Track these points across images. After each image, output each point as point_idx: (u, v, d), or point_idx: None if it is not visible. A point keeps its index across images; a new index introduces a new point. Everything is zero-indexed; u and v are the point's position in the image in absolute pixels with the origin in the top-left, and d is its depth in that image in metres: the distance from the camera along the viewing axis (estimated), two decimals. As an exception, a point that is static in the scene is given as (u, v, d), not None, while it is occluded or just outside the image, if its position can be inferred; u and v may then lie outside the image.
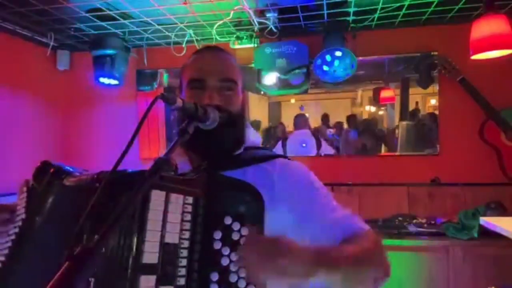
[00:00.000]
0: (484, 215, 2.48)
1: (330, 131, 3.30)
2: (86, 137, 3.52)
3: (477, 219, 2.36)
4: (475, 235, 2.44)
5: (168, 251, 0.73)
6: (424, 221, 2.75)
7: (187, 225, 0.75)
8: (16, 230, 0.87)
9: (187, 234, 0.75)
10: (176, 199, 0.76)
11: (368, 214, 2.93)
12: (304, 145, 3.27)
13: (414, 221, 2.75)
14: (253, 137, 1.09)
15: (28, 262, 0.83)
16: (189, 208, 0.76)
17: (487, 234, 2.19)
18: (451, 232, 2.51)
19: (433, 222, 2.72)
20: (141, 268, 0.71)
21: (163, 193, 0.75)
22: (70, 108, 3.53)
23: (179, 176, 0.83)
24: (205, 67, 0.99)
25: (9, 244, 0.86)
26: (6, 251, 0.86)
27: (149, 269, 0.71)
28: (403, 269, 2.50)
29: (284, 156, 1.07)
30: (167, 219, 0.74)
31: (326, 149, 3.25)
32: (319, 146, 3.25)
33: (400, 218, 2.80)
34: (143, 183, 0.66)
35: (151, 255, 0.72)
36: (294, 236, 0.95)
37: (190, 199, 0.77)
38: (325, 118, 3.32)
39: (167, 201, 0.75)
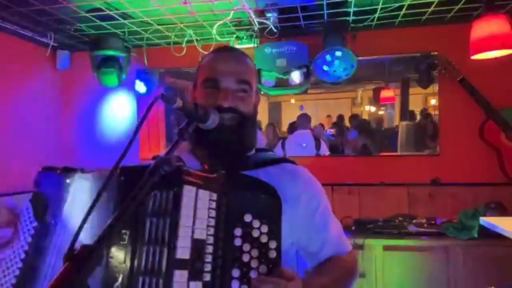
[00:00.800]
0: (484, 215, 2.47)
1: (330, 131, 3.30)
2: (86, 137, 3.51)
3: (477, 219, 2.35)
4: (475, 235, 2.43)
5: (197, 246, 0.74)
6: (424, 221, 2.74)
7: (212, 222, 0.76)
8: (29, 239, 0.85)
9: (212, 231, 0.76)
10: (204, 195, 0.77)
11: (368, 214, 2.93)
12: (304, 145, 3.27)
13: (414, 221, 2.75)
14: (260, 139, 1.10)
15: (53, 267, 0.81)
16: (214, 205, 0.77)
17: (487, 234, 2.19)
18: (451, 232, 2.50)
19: (433, 222, 2.72)
20: (175, 263, 0.72)
21: (194, 188, 0.76)
22: (70, 108, 3.53)
23: (203, 172, 0.84)
24: (220, 67, 0.98)
25: (22, 256, 0.84)
26: (20, 264, 0.84)
27: (182, 264, 0.72)
28: (403, 269, 2.50)
29: (291, 161, 1.07)
30: (197, 215, 0.75)
31: (326, 149, 3.25)
32: (318, 146, 3.25)
33: (400, 218, 2.79)
34: (144, 185, 0.66)
35: (184, 250, 0.72)
36: (291, 240, 0.96)
37: (214, 196, 0.78)
38: (339, 118, 3.31)
39: (196, 197, 0.76)
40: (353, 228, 2.73)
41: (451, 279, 2.43)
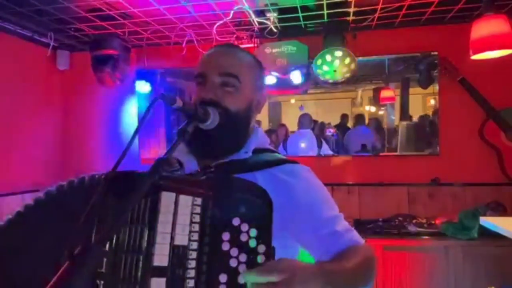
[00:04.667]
0: (484, 215, 2.47)
1: (331, 131, 3.30)
2: (86, 137, 3.51)
3: (477, 219, 2.35)
4: (475, 235, 2.43)
5: (177, 253, 0.73)
6: (424, 221, 2.75)
7: (196, 227, 0.75)
8: None
9: (195, 236, 0.75)
10: (185, 200, 0.76)
11: (368, 214, 2.93)
12: (305, 144, 3.27)
13: (414, 221, 2.75)
14: (262, 138, 1.06)
15: None
16: (198, 210, 0.76)
17: (487, 234, 2.18)
18: (451, 232, 2.50)
19: (433, 222, 2.72)
20: (151, 271, 0.71)
21: (173, 194, 0.75)
22: (70, 108, 3.53)
23: (188, 176, 0.82)
24: (208, 62, 0.98)
25: None
26: None
27: (159, 271, 0.72)
28: (403, 269, 2.50)
29: (292, 161, 1.03)
30: (177, 221, 0.74)
31: (327, 149, 3.25)
32: (319, 146, 3.25)
33: (400, 218, 2.80)
34: (144, 184, 0.66)
35: (161, 257, 0.72)
36: (293, 239, 0.94)
37: (198, 201, 0.76)
38: (344, 117, 3.31)
39: (176, 203, 0.75)
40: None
41: (451, 279, 2.43)
